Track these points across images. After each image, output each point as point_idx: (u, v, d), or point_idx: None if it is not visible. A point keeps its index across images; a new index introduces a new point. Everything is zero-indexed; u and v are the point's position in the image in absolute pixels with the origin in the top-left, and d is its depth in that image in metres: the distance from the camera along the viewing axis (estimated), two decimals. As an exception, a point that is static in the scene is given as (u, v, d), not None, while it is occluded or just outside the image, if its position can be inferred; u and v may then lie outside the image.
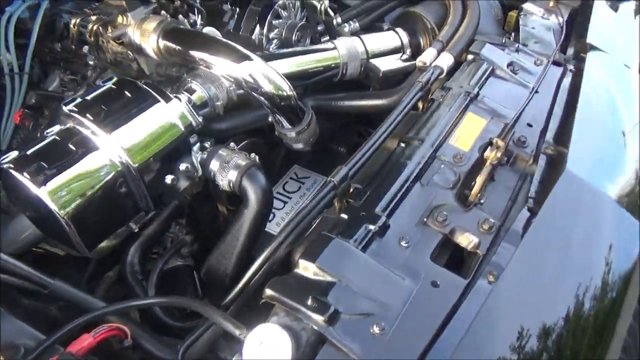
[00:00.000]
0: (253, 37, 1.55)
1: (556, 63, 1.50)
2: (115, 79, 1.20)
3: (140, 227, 1.26)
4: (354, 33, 1.76)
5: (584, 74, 1.40)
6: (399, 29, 1.64)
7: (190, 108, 1.25)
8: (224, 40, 1.29)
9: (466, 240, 1.01)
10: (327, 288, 0.88)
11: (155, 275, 1.31)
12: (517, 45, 1.50)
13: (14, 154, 1.05)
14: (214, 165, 1.25)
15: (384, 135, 1.18)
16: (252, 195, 1.23)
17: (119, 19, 1.40)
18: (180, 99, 1.27)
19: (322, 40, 1.69)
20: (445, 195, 1.09)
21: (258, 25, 1.55)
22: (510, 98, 1.34)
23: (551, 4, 1.77)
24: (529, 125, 1.28)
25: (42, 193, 1.01)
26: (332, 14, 1.68)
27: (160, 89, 1.21)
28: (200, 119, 1.28)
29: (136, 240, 1.29)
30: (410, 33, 1.64)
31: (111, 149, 1.09)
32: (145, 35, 1.32)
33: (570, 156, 1.13)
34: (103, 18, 1.37)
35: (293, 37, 1.58)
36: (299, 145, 1.39)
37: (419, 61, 1.42)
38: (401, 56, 1.61)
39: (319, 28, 1.69)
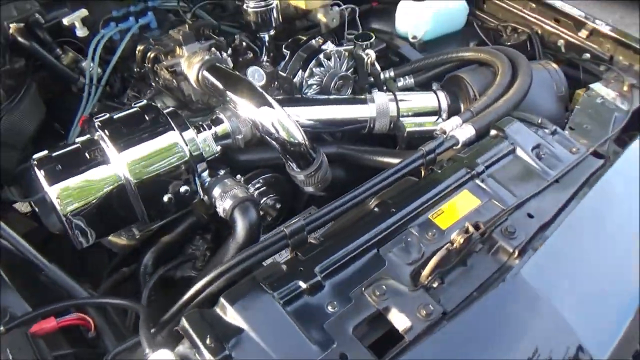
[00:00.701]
0: (295, 79, 1.64)
1: (598, 155, 1.37)
2: (144, 102, 1.37)
3: (161, 234, 1.43)
4: (407, 89, 1.77)
5: (616, 162, 1.28)
6: (440, 92, 1.62)
7: (210, 137, 1.39)
8: (251, 84, 1.41)
9: (399, 321, 0.99)
10: (233, 333, 0.92)
11: (152, 280, 1.45)
12: (554, 127, 1.40)
13: (43, 153, 1.26)
14: (216, 192, 1.36)
15: (363, 195, 1.19)
16: (240, 228, 1.31)
17: (177, 50, 1.58)
18: (203, 128, 1.41)
19: (372, 91, 1.73)
20: (399, 270, 1.06)
21: (301, 70, 1.64)
22: (522, 183, 1.26)
23: (625, 87, 1.62)
24: (530, 215, 1.19)
25: (51, 190, 1.19)
26: (378, 67, 1.71)
27: (180, 117, 1.36)
28: (218, 148, 1.40)
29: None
30: (452, 97, 1.61)
31: (118, 164, 1.24)
32: (191, 66, 1.49)
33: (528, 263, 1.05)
34: (160, 48, 1.57)
35: (331, 85, 1.64)
36: (309, 189, 1.45)
37: (439, 127, 1.40)
38: (437, 119, 1.59)
39: (370, 79, 1.74)
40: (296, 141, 1.35)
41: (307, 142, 1.37)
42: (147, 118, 1.31)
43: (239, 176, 1.42)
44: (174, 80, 1.54)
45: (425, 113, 1.59)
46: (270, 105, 1.35)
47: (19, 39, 1.64)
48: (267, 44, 1.73)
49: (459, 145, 1.34)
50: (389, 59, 1.94)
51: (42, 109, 1.71)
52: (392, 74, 1.78)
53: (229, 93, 1.39)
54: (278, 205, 1.61)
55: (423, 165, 1.29)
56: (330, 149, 1.57)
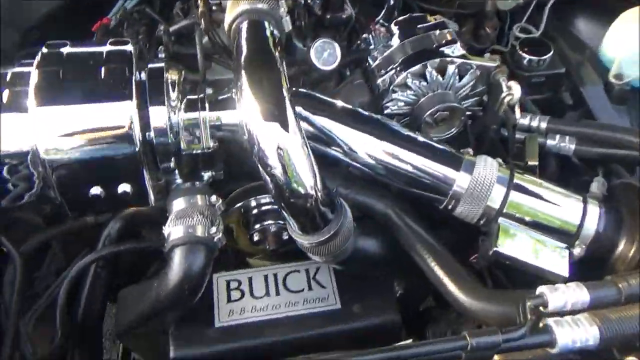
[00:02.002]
0: (381, 79, 1.05)
1: None
2: (118, 47, 0.92)
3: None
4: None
5: None
6: (593, 205, 0.93)
7: (206, 122, 0.92)
8: (275, 68, 0.86)
9: None
10: None
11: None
12: None
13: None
14: (174, 206, 0.92)
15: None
16: (170, 275, 0.87)
17: None
18: (201, 106, 0.94)
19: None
20: None
21: (397, 70, 1.05)
22: None
23: None
24: None
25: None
26: (517, 114, 1.05)
27: (162, 81, 0.89)
28: (212, 143, 0.94)
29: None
30: (608, 220, 0.92)
31: (32, 122, 0.84)
32: (232, 10, 0.97)
33: None
34: None
35: (427, 113, 1.03)
36: (316, 258, 0.94)
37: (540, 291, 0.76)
38: (565, 247, 0.93)
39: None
40: (301, 191, 0.82)
41: (320, 194, 0.84)
42: (107, 68, 0.87)
43: (214, 198, 0.94)
44: (204, 18, 1.05)
45: (548, 229, 0.93)
46: (281, 113, 0.82)
47: None
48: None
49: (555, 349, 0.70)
50: (556, 98, 1.23)
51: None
52: (544, 124, 1.10)
53: (240, 68, 0.87)
54: (285, 236, 1.12)
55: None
56: (376, 204, 1.01)
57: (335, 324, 1.02)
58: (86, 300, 1.11)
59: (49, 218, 1.13)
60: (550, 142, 1.09)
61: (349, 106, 0.99)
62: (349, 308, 1.03)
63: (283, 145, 0.81)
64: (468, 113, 1.06)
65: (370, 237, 1.00)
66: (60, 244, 1.16)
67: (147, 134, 0.88)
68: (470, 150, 1.00)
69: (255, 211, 1.11)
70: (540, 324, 0.71)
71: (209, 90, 0.98)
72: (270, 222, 1.10)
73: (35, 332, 1.04)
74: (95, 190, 0.89)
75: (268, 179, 0.83)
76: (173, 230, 0.90)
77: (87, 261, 1.08)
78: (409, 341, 0.89)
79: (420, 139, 0.98)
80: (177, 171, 0.94)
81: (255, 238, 1.11)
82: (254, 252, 1.18)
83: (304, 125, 0.95)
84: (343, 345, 1.05)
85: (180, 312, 0.95)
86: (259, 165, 0.83)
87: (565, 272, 0.89)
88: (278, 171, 0.82)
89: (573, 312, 0.72)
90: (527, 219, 0.92)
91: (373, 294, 1.06)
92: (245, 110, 0.83)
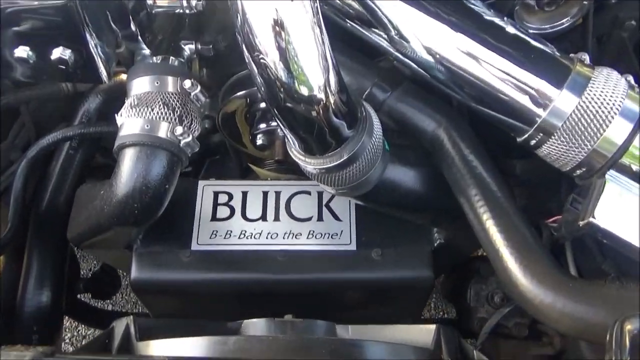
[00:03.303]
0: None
1: None
2: None
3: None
4: None
5: None
6: None
7: None
8: None
9: None
10: None
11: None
12: None
13: None
14: (131, 87, 0.66)
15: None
16: (119, 177, 0.63)
17: None
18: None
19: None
20: None
21: None
22: None
23: None
24: None
25: None
26: None
27: None
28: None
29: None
30: None
31: None
32: None
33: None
34: None
35: None
36: (326, 188, 0.67)
37: None
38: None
39: None
40: (302, 91, 0.53)
41: (334, 98, 0.55)
42: None
43: (189, 83, 0.66)
44: None
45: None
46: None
47: None
48: None
49: None
50: None
51: None
52: None
53: None
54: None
55: None
56: (424, 121, 0.70)
57: (345, 270, 0.77)
58: (53, 186, 0.90)
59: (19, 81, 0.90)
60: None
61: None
62: (367, 252, 0.77)
63: (280, 18, 0.50)
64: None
65: (407, 167, 0.69)
66: (30, 113, 0.94)
67: (89, -26, 0.58)
68: (586, 57, 0.63)
69: (262, 104, 0.82)
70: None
71: None
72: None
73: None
74: (21, 51, 0.62)
75: (255, 69, 0.53)
76: (127, 123, 0.64)
77: (50, 140, 0.85)
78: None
79: (510, 29, 0.62)
80: (141, 37, 0.64)
81: (259, 141, 0.83)
82: (260, 157, 0.91)
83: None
84: (350, 298, 0.82)
85: (136, 228, 0.72)
86: (243, 47, 0.53)
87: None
88: (270, 59, 0.52)
89: None
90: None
91: (401, 239, 0.79)
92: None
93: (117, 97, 0.82)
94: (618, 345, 0.47)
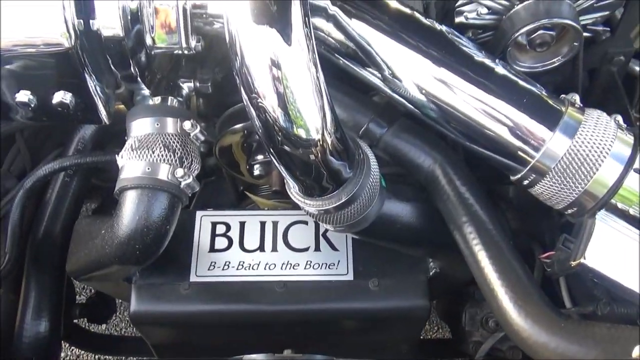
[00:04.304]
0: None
1: None
2: None
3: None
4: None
5: None
6: None
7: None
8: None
9: None
10: None
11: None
12: None
13: None
14: (131, 129, 0.66)
15: None
16: (122, 224, 0.64)
17: None
18: None
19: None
20: None
21: None
22: None
23: None
24: None
25: None
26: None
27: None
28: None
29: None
30: None
31: None
32: None
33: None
34: None
35: (514, 36, 0.67)
36: (328, 226, 0.68)
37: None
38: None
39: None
40: (300, 134, 0.54)
41: (331, 140, 0.56)
42: None
43: (189, 124, 0.67)
44: None
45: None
46: (282, 10, 0.51)
47: None
48: None
49: None
50: None
51: None
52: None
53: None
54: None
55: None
56: (420, 157, 0.71)
57: (342, 300, 0.78)
58: (50, 214, 0.90)
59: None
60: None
61: (404, 7, 0.65)
62: (364, 282, 0.79)
63: (278, 60, 0.51)
64: (586, 35, 0.69)
65: (403, 203, 0.71)
66: (25, 140, 0.94)
67: (90, 21, 0.59)
68: (577, 98, 0.65)
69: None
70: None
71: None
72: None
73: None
74: (22, 96, 0.62)
75: (253, 111, 0.54)
76: (128, 165, 0.65)
77: (47, 171, 0.85)
78: None
79: (501, 70, 0.64)
80: (140, 77, 0.65)
81: (256, 171, 0.84)
82: (256, 185, 0.92)
83: (327, 30, 0.64)
84: (348, 327, 0.83)
85: (137, 266, 0.73)
86: (241, 89, 0.54)
87: None
88: (268, 102, 0.53)
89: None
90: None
91: (397, 269, 0.80)
92: (228, 2, 0.52)
93: (113, 123, 0.83)
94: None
